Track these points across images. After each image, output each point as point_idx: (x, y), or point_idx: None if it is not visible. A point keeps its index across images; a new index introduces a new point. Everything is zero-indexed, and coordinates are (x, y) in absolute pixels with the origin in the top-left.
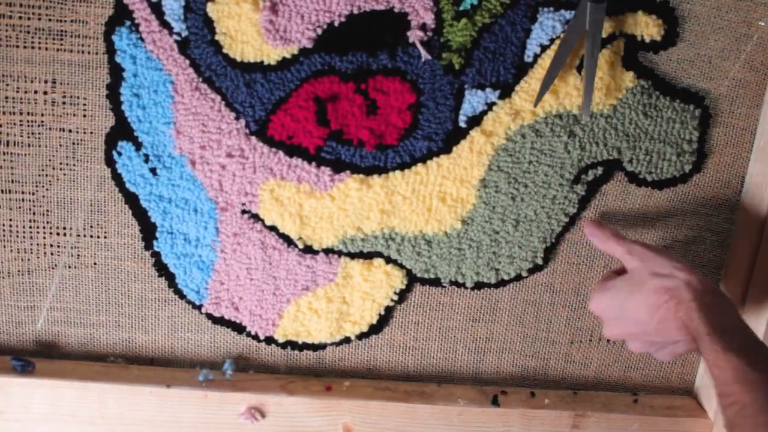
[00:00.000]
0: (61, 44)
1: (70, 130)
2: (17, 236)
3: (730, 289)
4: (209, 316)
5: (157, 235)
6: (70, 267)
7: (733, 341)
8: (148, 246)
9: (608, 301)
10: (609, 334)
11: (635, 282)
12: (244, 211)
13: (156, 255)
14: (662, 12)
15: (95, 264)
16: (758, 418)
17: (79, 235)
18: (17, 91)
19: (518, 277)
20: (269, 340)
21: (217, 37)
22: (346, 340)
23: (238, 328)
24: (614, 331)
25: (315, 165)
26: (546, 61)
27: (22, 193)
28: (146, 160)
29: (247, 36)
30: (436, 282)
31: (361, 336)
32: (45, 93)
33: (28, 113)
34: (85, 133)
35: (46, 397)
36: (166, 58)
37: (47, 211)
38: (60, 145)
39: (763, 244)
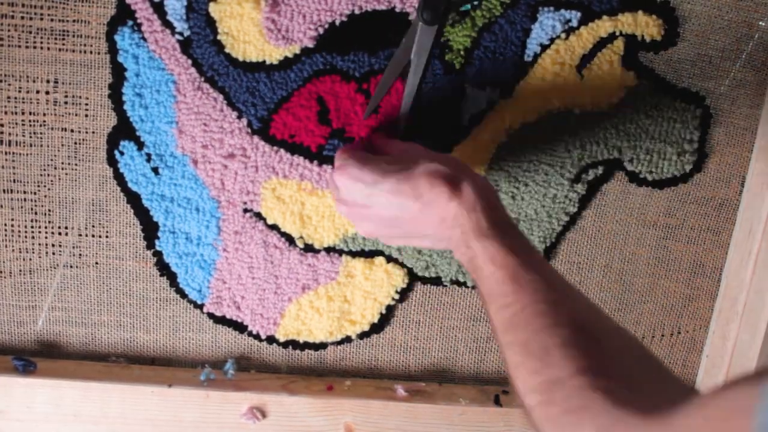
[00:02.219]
0: (63, 44)
1: (72, 130)
2: (19, 236)
3: (730, 289)
4: (211, 315)
5: (159, 234)
6: (71, 266)
7: (511, 239)
8: (150, 245)
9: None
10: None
11: (400, 160)
12: (246, 210)
13: (158, 254)
14: (663, 12)
15: (97, 263)
16: (538, 321)
17: (80, 235)
18: (19, 91)
19: None
20: (270, 340)
21: (219, 37)
22: (348, 340)
23: (240, 328)
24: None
25: (317, 163)
26: (546, 60)
27: (24, 192)
28: (148, 160)
29: (249, 36)
30: (437, 281)
31: (363, 335)
32: (47, 93)
33: (30, 113)
34: (87, 132)
35: (47, 397)
36: (168, 57)
37: (49, 210)
38: (62, 145)
39: (764, 244)
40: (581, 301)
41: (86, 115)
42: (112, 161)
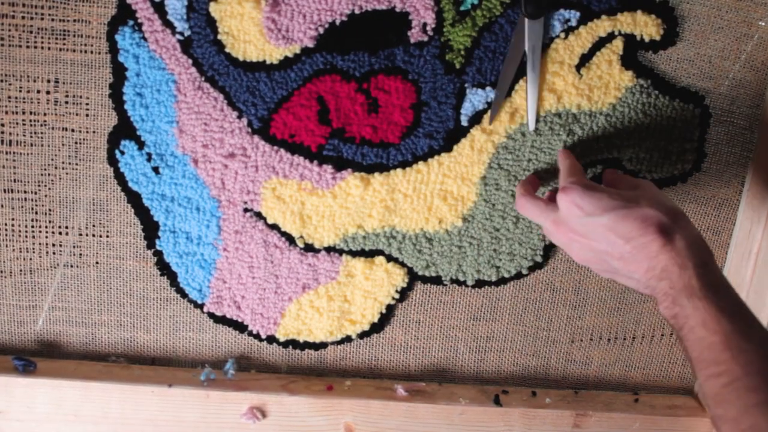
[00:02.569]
0: (64, 44)
1: (72, 130)
2: (19, 235)
3: None
4: (211, 315)
5: (160, 233)
6: (72, 266)
7: (725, 302)
8: (151, 245)
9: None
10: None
11: (627, 197)
12: (246, 210)
13: (158, 254)
14: (662, 11)
15: (97, 263)
16: (750, 397)
17: (81, 234)
18: (20, 91)
19: (518, 275)
20: (271, 339)
21: (219, 37)
22: (348, 339)
23: (240, 327)
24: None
25: (317, 163)
26: (546, 60)
27: (25, 192)
28: (149, 159)
29: (249, 35)
30: (437, 280)
31: (363, 335)
32: (48, 92)
33: (31, 113)
34: (87, 132)
35: (48, 397)
36: (168, 57)
37: (49, 210)
38: (62, 145)
39: (764, 243)
40: None
41: (87, 115)
42: (112, 161)
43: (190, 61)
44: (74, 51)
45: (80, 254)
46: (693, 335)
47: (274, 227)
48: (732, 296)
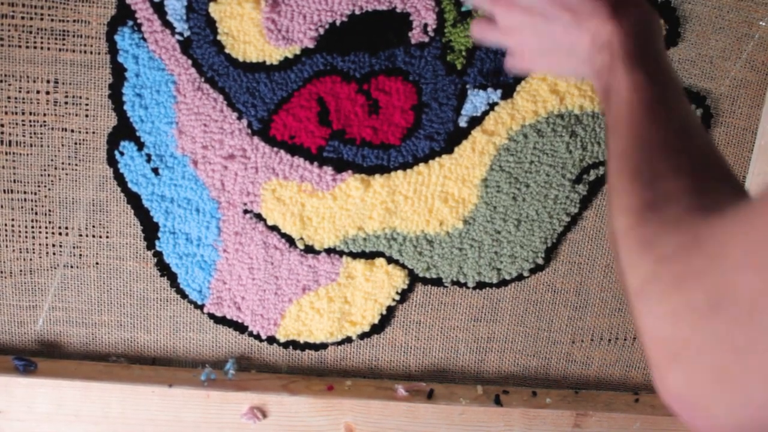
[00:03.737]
0: (64, 44)
1: (72, 130)
2: (19, 236)
3: None
4: (211, 315)
5: (159, 234)
6: (72, 267)
7: (663, 75)
8: (150, 246)
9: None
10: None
11: None
12: (246, 211)
13: (158, 255)
14: (664, 12)
15: (97, 264)
16: (659, 152)
17: (81, 235)
18: (19, 91)
19: (520, 277)
20: (271, 340)
21: (219, 37)
22: (348, 340)
23: (240, 328)
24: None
25: (317, 165)
26: None
27: (24, 193)
28: (148, 160)
29: (249, 36)
30: (437, 282)
31: (363, 336)
32: (47, 93)
33: (31, 113)
34: (87, 133)
35: (48, 397)
36: (168, 58)
37: (49, 210)
38: (62, 145)
39: None
40: (705, 136)
41: (86, 116)
42: (112, 161)
43: (190, 61)
44: (74, 51)
45: (80, 255)
46: (617, 97)
47: (274, 229)
48: (671, 73)
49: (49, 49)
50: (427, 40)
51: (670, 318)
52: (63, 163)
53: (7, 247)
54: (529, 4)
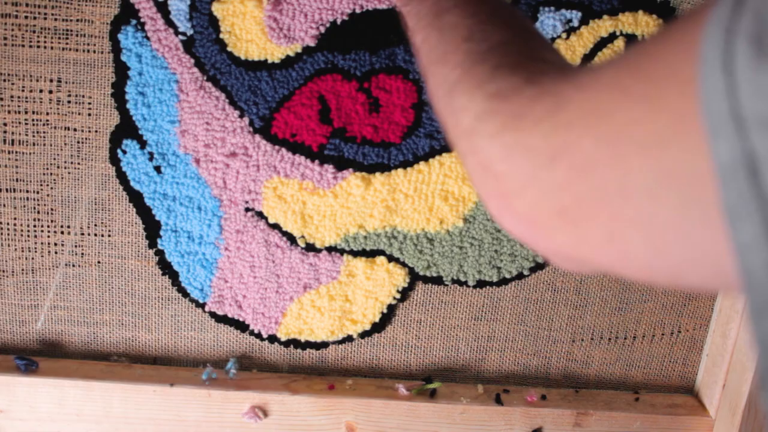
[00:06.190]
0: (67, 43)
1: (74, 129)
2: (21, 235)
3: None
4: (213, 314)
5: (161, 233)
6: (73, 265)
7: None
8: (152, 244)
9: None
10: None
11: None
12: (247, 209)
13: (160, 253)
14: (663, 12)
15: (99, 262)
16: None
17: (83, 234)
18: (22, 90)
19: (520, 276)
20: (272, 339)
21: (221, 36)
22: (349, 339)
23: (242, 327)
24: None
25: (318, 163)
26: None
27: (27, 191)
28: (151, 159)
29: (251, 34)
30: (438, 280)
31: (364, 334)
32: (50, 92)
33: (33, 112)
34: (89, 131)
35: (49, 396)
36: (171, 56)
37: (51, 209)
38: (65, 144)
39: None
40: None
41: (89, 114)
42: (114, 160)
43: (193, 60)
44: (77, 50)
45: (82, 253)
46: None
47: (275, 227)
48: None
49: (52, 48)
50: None
51: (505, 154)
52: (65, 162)
53: (9, 246)
54: None
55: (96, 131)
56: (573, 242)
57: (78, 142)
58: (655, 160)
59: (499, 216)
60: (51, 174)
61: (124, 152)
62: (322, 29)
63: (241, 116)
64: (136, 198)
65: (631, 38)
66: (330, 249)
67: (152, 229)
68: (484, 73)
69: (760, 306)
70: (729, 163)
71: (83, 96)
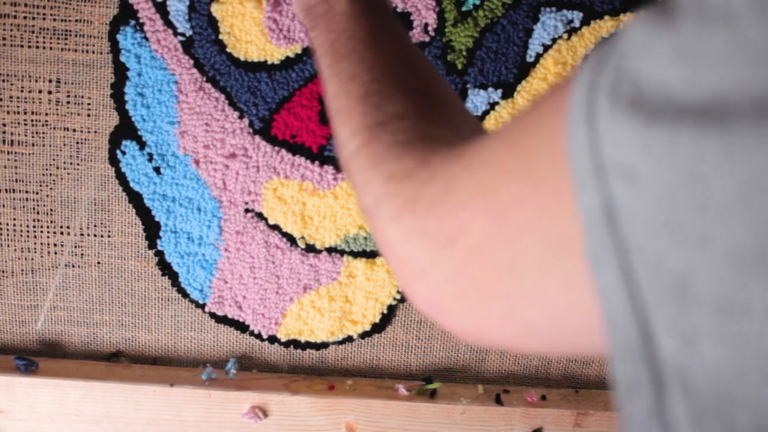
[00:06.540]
0: (66, 44)
1: (74, 130)
2: (21, 235)
3: None
4: (212, 314)
5: (161, 233)
6: (73, 266)
7: (383, 11)
8: (152, 245)
9: None
10: None
11: None
12: (247, 210)
13: (159, 254)
14: None
15: (99, 263)
16: (389, 66)
17: (82, 234)
18: (21, 91)
19: None
20: (272, 339)
21: (221, 37)
22: (349, 339)
23: (242, 327)
24: None
25: (318, 164)
26: (548, 60)
27: (26, 192)
28: (150, 159)
29: (250, 35)
30: None
31: (364, 335)
32: (49, 92)
33: (32, 112)
34: (89, 132)
35: (49, 397)
36: (170, 57)
37: (51, 210)
38: (64, 145)
39: None
40: (427, 65)
41: (88, 115)
42: (114, 161)
43: (192, 61)
44: (76, 51)
45: (82, 254)
46: (331, 13)
47: (275, 228)
48: (389, 12)
49: (51, 48)
50: (427, 39)
51: (404, 239)
52: (65, 163)
53: (8, 246)
54: None
55: (95, 132)
56: (474, 322)
57: (77, 143)
58: (542, 234)
59: (407, 296)
60: (50, 175)
61: (124, 153)
62: None
63: (241, 117)
64: (135, 199)
65: None
66: (330, 250)
67: (152, 229)
68: (378, 153)
69: (620, 348)
70: (591, 212)
71: (82, 96)
